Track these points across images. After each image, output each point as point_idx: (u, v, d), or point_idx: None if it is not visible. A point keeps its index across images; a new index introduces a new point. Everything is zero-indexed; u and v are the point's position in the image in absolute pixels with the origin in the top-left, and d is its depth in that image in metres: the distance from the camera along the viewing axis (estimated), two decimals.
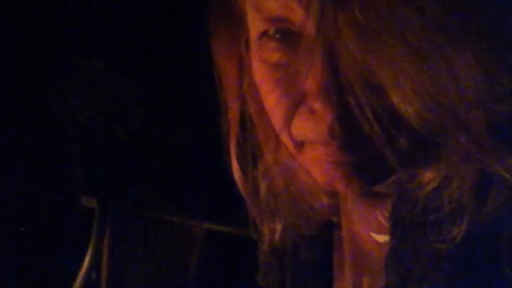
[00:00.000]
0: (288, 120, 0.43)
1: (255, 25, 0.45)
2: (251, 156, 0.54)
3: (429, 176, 0.43)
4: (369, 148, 0.40)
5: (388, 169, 0.42)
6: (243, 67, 0.51)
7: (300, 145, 0.44)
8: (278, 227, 0.58)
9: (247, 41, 0.49)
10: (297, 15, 0.40)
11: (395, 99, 0.38)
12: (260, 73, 0.46)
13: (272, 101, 0.44)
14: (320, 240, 0.57)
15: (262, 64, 0.45)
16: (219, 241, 2.26)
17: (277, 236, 0.58)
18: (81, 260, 2.01)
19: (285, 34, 0.42)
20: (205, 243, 2.19)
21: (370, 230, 0.51)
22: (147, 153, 2.68)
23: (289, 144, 0.45)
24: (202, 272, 2.20)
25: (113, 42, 2.56)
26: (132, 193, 2.54)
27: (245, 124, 0.52)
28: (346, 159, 0.42)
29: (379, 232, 0.49)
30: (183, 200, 2.59)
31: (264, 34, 0.44)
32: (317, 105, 0.39)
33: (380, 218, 0.49)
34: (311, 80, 0.39)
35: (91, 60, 2.48)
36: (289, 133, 0.44)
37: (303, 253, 0.57)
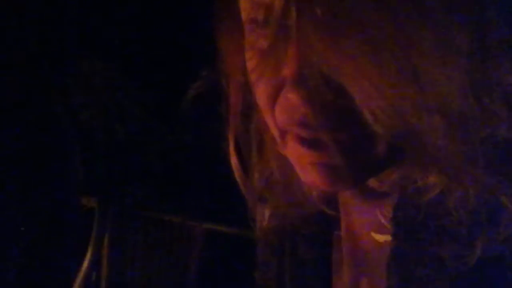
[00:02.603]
0: (271, 106, 0.43)
1: (245, 10, 0.46)
2: (252, 145, 0.55)
3: (432, 181, 0.42)
4: (346, 150, 0.41)
5: (370, 169, 0.43)
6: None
7: (283, 133, 0.45)
8: (267, 213, 0.58)
9: None
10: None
11: (355, 98, 0.38)
12: (250, 59, 0.46)
13: (258, 87, 0.45)
14: (319, 239, 0.57)
15: (252, 50, 0.46)
16: (219, 241, 2.26)
17: (265, 222, 0.59)
18: (81, 260, 2.01)
19: (269, 21, 0.43)
20: (205, 243, 2.19)
21: (370, 229, 0.50)
22: (147, 153, 2.68)
23: (275, 133, 0.46)
24: (202, 272, 2.20)
25: (113, 42, 2.56)
26: (132, 193, 2.53)
27: (247, 112, 0.52)
28: (323, 161, 0.42)
29: (379, 231, 0.49)
30: (183, 200, 2.58)
31: (253, 20, 0.44)
32: (290, 95, 0.40)
33: (381, 218, 0.49)
34: (286, 68, 0.40)
35: (91, 60, 2.48)
36: (274, 120, 0.45)
37: (302, 251, 0.57)
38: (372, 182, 0.48)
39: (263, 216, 0.59)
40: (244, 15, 0.46)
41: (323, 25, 0.36)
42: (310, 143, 0.42)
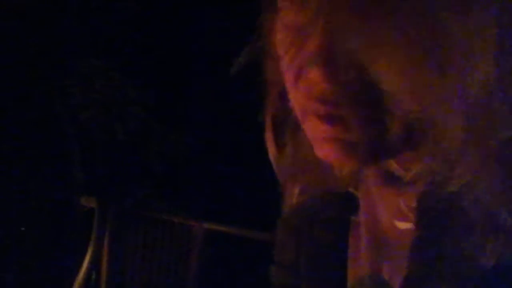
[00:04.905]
0: (294, 83, 0.44)
1: None
2: (287, 125, 0.54)
3: (458, 172, 0.41)
4: (362, 127, 0.41)
5: (384, 150, 0.43)
6: None
7: (304, 112, 0.45)
8: (296, 190, 0.59)
9: None
10: None
11: (376, 79, 0.38)
12: (282, 39, 0.46)
13: (285, 64, 0.45)
14: (337, 223, 0.57)
15: (284, 29, 0.45)
16: (219, 241, 2.26)
17: (294, 199, 0.59)
18: (81, 260, 2.01)
19: None
20: (205, 243, 2.19)
21: (391, 216, 0.50)
22: (147, 153, 2.68)
23: (297, 111, 0.46)
24: (202, 272, 2.20)
25: (113, 42, 2.56)
26: (132, 193, 2.54)
27: (285, 91, 0.53)
28: (338, 136, 0.42)
29: (401, 219, 0.49)
30: (183, 200, 2.59)
31: None
32: (312, 69, 0.40)
33: (404, 208, 0.48)
34: (312, 44, 0.40)
35: (91, 60, 2.48)
36: (296, 96, 0.45)
37: (319, 235, 0.57)
38: (398, 171, 0.48)
39: (292, 193, 0.59)
40: None
41: (354, 3, 0.37)
42: (327, 119, 0.42)
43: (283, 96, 0.51)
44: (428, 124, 0.39)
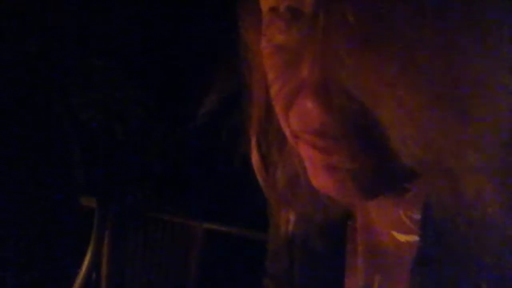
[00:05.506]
0: (286, 109, 0.39)
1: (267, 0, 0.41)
2: (275, 142, 0.51)
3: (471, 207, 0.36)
4: (364, 157, 0.37)
5: (387, 181, 0.39)
6: None
7: (296, 137, 0.41)
8: (292, 217, 0.55)
9: None
10: None
11: (381, 122, 0.33)
12: (268, 56, 0.41)
13: (274, 86, 0.40)
14: (332, 230, 0.53)
15: (269, 46, 0.41)
16: (219, 241, 2.26)
17: (291, 226, 0.56)
18: (81, 260, 2.01)
19: (295, 14, 0.37)
20: (205, 243, 2.19)
21: (390, 228, 0.46)
22: (147, 153, 2.68)
23: (287, 134, 0.42)
24: (202, 272, 2.20)
25: (113, 42, 2.56)
26: (132, 193, 2.53)
27: (270, 107, 0.46)
28: (338, 165, 0.38)
29: (401, 231, 0.45)
30: (183, 200, 2.59)
31: (273, 10, 0.40)
32: (308, 103, 0.35)
33: (404, 219, 0.45)
34: (307, 72, 0.35)
35: (91, 60, 2.48)
36: (287, 122, 0.40)
37: (313, 241, 0.53)
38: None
39: (288, 221, 0.56)
40: (264, 4, 0.41)
41: (354, 34, 0.31)
42: (325, 150, 0.38)
43: (269, 113, 0.47)
44: (444, 176, 0.33)
